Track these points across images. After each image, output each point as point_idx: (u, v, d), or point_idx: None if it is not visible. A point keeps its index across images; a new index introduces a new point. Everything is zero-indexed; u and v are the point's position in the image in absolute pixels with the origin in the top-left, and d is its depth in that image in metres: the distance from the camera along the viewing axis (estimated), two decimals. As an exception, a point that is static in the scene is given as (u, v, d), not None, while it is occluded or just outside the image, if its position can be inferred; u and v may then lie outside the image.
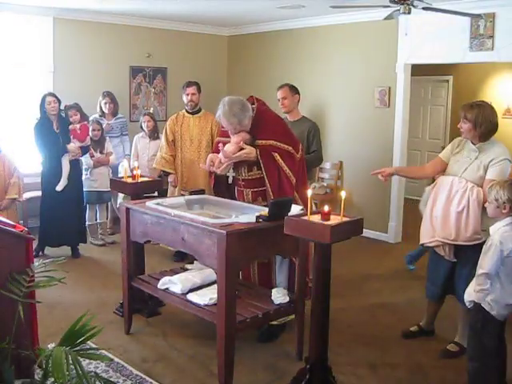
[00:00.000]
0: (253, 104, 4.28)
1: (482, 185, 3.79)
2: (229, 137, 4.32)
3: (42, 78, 7.40)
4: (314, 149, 5.61)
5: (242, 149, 4.10)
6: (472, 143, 3.93)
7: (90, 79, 7.70)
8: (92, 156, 6.60)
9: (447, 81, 9.69)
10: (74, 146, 6.19)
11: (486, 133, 3.86)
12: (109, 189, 6.28)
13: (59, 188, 6.09)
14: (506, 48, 5.99)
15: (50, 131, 6.05)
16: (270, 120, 4.33)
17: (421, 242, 4.13)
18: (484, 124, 3.83)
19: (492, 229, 3.28)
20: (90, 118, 6.86)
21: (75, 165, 6.30)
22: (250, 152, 4.10)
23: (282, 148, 4.16)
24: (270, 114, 4.42)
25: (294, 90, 5.73)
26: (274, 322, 4.19)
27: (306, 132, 5.59)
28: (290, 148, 4.20)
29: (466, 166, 3.91)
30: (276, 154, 4.12)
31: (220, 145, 4.20)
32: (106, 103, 7.13)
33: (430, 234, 4.02)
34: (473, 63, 7.72)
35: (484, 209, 3.65)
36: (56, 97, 6.08)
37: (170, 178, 6.21)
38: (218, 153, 4.46)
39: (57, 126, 6.11)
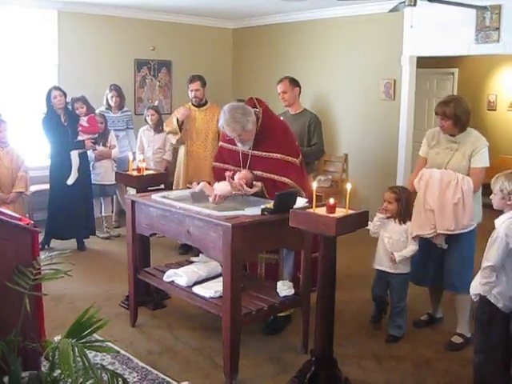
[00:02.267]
0: (254, 106, 4.11)
1: (468, 174, 3.95)
2: (232, 143, 4.21)
3: (47, 72, 7.41)
4: (315, 141, 5.57)
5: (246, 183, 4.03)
6: (450, 135, 4.04)
7: (95, 72, 7.70)
8: (94, 149, 6.60)
9: (453, 73, 9.64)
10: (89, 142, 6.27)
11: (465, 123, 4.01)
12: (112, 182, 6.27)
13: (70, 182, 6.08)
14: (512, 40, 5.95)
15: (58, 124, 6.06)
16: (277, 129, 4.20)
17: (414, 234, 4.13)
18: (463, 115, 3.98)
19: (497, 221, 3.27)
20: (96, 111, 6.87)
21: (84, 158, 6.31)
22: (257, 190, 4.02)
23: (287, 161, 4.09)
24: (276, 123, 4.28)
25: (294, 82, 5.67)
26: (280, 314, 4.19)
27: (307, 124, 5.54)
28: (297, 161, 4.16)
29: (449, 158, 4.04)
30: (280, 178, 4.03)
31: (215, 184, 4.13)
32: (112, 97, 7.12)
33: (427, 226, 4.05)
34: (478, 56, 7.69)
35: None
36: (62, 90, 6.08)
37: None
38: (224, 158, 4.39)
39: (64, 119, 6.12)
